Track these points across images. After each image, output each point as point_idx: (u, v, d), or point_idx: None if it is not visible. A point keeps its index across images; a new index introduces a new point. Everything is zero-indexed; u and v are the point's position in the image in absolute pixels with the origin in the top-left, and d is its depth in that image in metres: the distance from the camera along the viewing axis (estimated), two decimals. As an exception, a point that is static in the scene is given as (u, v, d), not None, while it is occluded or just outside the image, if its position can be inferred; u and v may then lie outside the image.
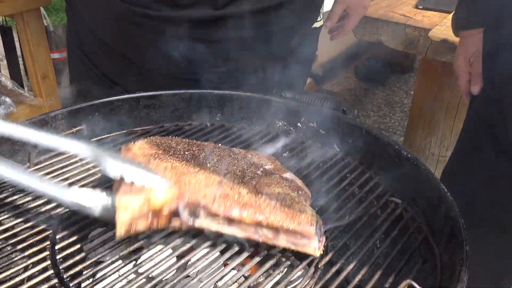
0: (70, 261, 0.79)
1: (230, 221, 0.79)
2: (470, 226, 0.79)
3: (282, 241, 0.79)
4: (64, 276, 0.76)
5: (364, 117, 3.80)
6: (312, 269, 0.80)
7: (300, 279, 0.79)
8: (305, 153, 1.13)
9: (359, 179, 1.03)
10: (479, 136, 1.25)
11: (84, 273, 0.77)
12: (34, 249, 0.81)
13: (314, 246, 0.78)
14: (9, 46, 2.07)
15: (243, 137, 1.19)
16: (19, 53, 2.26)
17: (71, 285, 0.75)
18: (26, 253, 0.80)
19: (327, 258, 0.82)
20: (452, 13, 1.49)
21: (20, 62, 2.20)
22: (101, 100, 1.18)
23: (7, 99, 1.74)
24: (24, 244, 0.81)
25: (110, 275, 0.77)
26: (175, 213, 0.80)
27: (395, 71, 4.58)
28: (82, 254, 0.81)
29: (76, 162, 1.04)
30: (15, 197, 0.92)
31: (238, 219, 0.79)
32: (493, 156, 1.19)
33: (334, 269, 0.80)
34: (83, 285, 0.76)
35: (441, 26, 2.10)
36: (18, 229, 0.85)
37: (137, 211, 0.78)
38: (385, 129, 3.66)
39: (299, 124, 1.21)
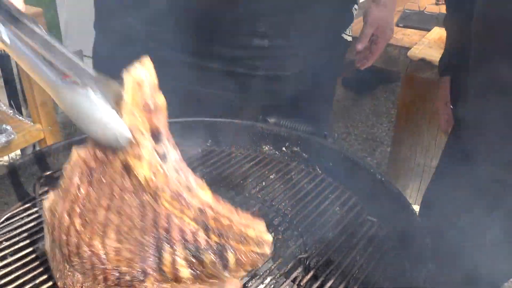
0: None
1: None
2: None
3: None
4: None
5: (352, 127, 3.91)
6: (295, 287, 0.89)
7: (285, 295, 0.88)
8: (290, 175, 1.23)
9: (340, 199, 1.12)
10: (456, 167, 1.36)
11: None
12: (45, 276, 0.89)
13: None
14: (7, 74, 2.16)
15: (232, 161, 1.28)
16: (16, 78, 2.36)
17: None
18: (38, 280, 0.88)
19: (309, 275, 0.91)
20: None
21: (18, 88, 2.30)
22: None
23: (8, 127, 1.82)
24: (36, 272, 0.89)
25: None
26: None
27: (382, 81, 4.68)
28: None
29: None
30: (23, 228, 1.00)
31: None
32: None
33: (316, 285, 0.88)
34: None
35: (419, 45, 2.21)
36: (28, 258, 0.93)
37: None
38: (372, 139, 3.77)
39: (283, 148, 1.30)
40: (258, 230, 0.79)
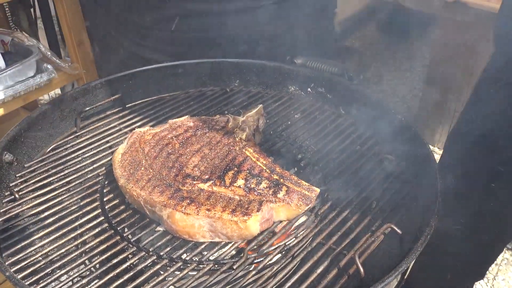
0: (116, 210, 0.97)
1: None
2: None
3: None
4: (113, 222, 0.95)
5: (385, 71, 3.85)
6: (313, 216, 0.96)
7: (305, 224, 0.95)
8: (314, 115, 1.27)
9: (360, 138, 1.17)
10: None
11: (127, 219, 0.96)
12: (88, 199, 0.99)
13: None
14: (46, 15, 2.23)
15: (259, 101, 1.33)
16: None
17: (118, 228, 0.93)
18: (82, 203, 0.98)
19: (327, 206, 0.98)
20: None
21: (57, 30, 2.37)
22: (134, 70, 1.34)
23: (49, 66, 1.91)
24: (79, 196, 1.00)
25: (149, 221, 0.95)
26: None
27: (417, 25, 4.53)
28: (124, 205, 0.99)
29: (114, 127, 1.21)
30: (67, 158, 1.10)
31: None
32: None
33: (332, 215, 0.95)
34: (126, 229, 0.94)
35: (455, -15, 2.14)
36: (72, 184, 1.03)
37: None
38: (405, 84, 3.72)
39: (309, 89, 1.34)
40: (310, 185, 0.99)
